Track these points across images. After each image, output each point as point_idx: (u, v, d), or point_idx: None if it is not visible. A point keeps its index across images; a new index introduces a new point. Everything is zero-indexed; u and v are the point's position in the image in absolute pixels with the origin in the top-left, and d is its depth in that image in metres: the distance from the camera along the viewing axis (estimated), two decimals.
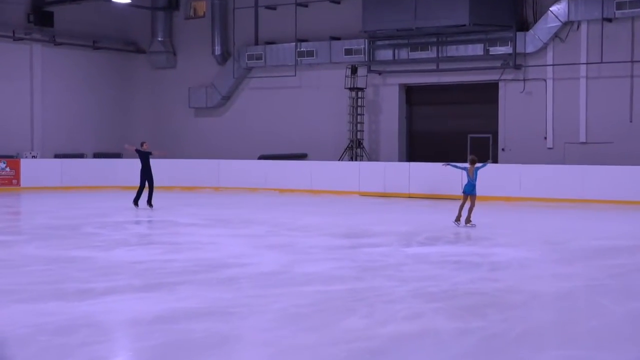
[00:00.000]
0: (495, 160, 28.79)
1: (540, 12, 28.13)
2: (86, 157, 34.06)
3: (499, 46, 28.41)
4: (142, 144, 22.30)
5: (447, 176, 24.08)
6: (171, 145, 35.30)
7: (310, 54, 32.02)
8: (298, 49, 32.12)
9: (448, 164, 18.51)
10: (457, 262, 12.62)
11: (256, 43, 33.63)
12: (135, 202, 21.95)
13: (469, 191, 17.67)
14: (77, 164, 31.48)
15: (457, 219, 17.66)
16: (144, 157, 21.91)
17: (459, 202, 17.94)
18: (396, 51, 30.35)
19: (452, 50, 29.37)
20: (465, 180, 18.04)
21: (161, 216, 20.36)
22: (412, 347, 7.55)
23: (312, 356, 7.29)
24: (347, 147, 30.75)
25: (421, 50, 29.88)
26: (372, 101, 31.38)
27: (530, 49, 27.97)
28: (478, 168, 17.68)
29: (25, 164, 29.99)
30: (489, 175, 25.59)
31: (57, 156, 32.86)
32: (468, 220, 17.53)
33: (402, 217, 20.85)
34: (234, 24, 33.77)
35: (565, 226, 18.92)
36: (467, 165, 17.88)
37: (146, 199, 21.98)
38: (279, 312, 8.86)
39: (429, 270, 11.82)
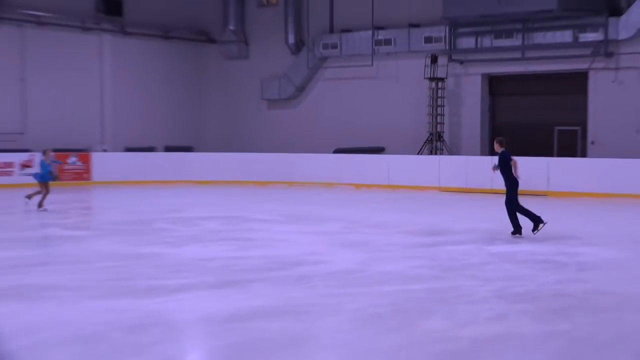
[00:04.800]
0: (584, 154, 28.34)
1: None
2: (157, 151, 34.59)
3: (589, 32, 27.89)
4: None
5: (534, 171, 23.79)
6: (243, 139, 35.67)
7: (387, 42, 31.94)
8: (375, 37, 32.07)
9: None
10: (544, 262, 12.50)
11: (331, 31, 33.73)
12: None
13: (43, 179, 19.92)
14: (148, 158, 31.99)
15: (40, 205, 19.65)
16: None
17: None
18: (479, 39, 30.06)
19: (539, 37, 28.96)
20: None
21: (233, 212, 20.60)
22: (495, 350, 7.53)
23: (390, 359, 7.32)
24: (427, 140, 30.61)
25: (506, 38, 29.52)
26: (453, 92, 31.18)
27: (623, 35, 27.37)
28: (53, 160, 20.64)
29: (96, 158, 30.58)
30: (578, 170, 25.30)
31: (127, 150, 33.42)
32: (41, 205, 19.77)
33: (485, 213, 20.67)
34: (308, 11, 33.91)
35: None
36: (42, 158, 20.29)
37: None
38: (355, 313, 8.92)
39: (514, 270, 11.75)
